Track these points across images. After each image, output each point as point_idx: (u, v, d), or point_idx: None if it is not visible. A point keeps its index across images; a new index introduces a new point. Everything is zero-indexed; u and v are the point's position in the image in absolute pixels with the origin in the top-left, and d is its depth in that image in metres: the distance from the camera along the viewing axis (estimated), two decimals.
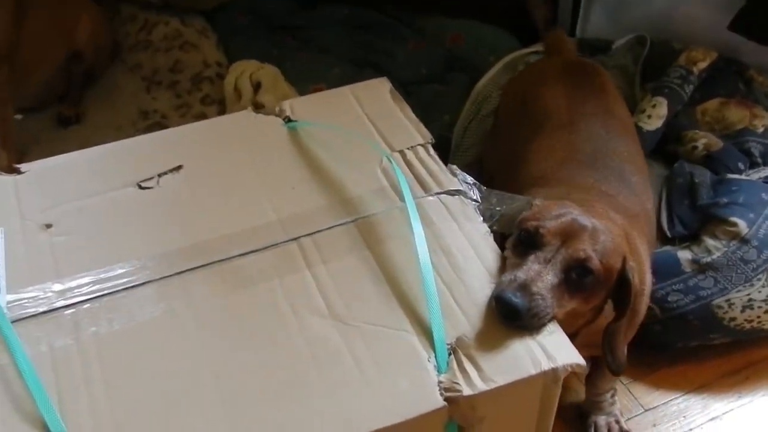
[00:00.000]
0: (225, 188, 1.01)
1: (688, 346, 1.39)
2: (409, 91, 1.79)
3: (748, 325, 1.35)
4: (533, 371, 0.77)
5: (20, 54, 1.66)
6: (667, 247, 1.41)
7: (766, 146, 1.60)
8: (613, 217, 0.99)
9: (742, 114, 1.66)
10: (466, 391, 0.76)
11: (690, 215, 1.46)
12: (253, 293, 0.87)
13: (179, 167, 1.03)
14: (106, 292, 0.87)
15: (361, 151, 1.04)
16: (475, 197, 0.99)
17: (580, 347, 0.81)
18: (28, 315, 0.84)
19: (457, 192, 0.98)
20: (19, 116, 1.76)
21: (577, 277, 0.88)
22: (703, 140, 1.59)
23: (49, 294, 0.86)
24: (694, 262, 1.35)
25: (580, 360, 0.79)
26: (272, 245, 0.92)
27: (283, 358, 0.80)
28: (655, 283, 1.34)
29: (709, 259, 1.34)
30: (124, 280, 0.88)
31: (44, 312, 0.84)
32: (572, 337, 0.83)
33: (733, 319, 1.34)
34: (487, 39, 1.93)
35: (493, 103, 1.65)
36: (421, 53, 1.95)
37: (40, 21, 1.71)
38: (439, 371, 0.78)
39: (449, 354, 0.79)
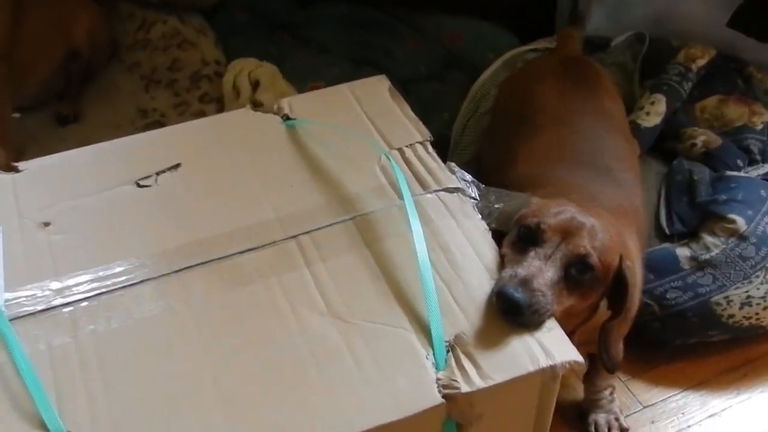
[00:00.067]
0: (223, 186, 1.01)
1: (687, 343, 1.39)
2: (407, 89, 1.78)
3: (746, 322, 1.35)
4: (531, 368, 0.78)
5: (18, 53, 1.65)
6: (666, 245, 1.42)
7: (765, 143, 1.60)
8: (605, 216, 0.99)
9: (740, 111, 1.66)
10: (464, 388, 0.76)
11: (689, 212, 1.46)
12: (252, 291, 0.86)
13: (177, 165, 1.03)
14: (104, 290, 0.86)
15: (360, 149, 1.04)
16: (473, 195, 0.99)
17: (578, 345, 0.81)
18: (26, 313, 0.84)
19: (456, 189, 0.98)
20: (17, 115, 1.75)
21: (576, 273, 0.89)
22: (702, 137, 1.59)
23: (48, 292, 0.86)
24: (693, 259, 1.35)
25: (578, 357, 0.79)
26: (271, 243, 0.92)
27: (282, 356, 0.80)
28: (654, 280, 1.34)
29: (707, 256, 1.34)
30: (123, 278, 0.88)
31: (42, 310, 0.84)
32: (569, 335, 0.83)
33: (731, 316, 1.34)
34: (486, 37, 1.93)
35: (492, 100, 1.65)
36: (419, 51, 1.94)
37: (39, 20, 1.71)
38: (437, 368, 0.78)
39: (447, 351, 0.79)
